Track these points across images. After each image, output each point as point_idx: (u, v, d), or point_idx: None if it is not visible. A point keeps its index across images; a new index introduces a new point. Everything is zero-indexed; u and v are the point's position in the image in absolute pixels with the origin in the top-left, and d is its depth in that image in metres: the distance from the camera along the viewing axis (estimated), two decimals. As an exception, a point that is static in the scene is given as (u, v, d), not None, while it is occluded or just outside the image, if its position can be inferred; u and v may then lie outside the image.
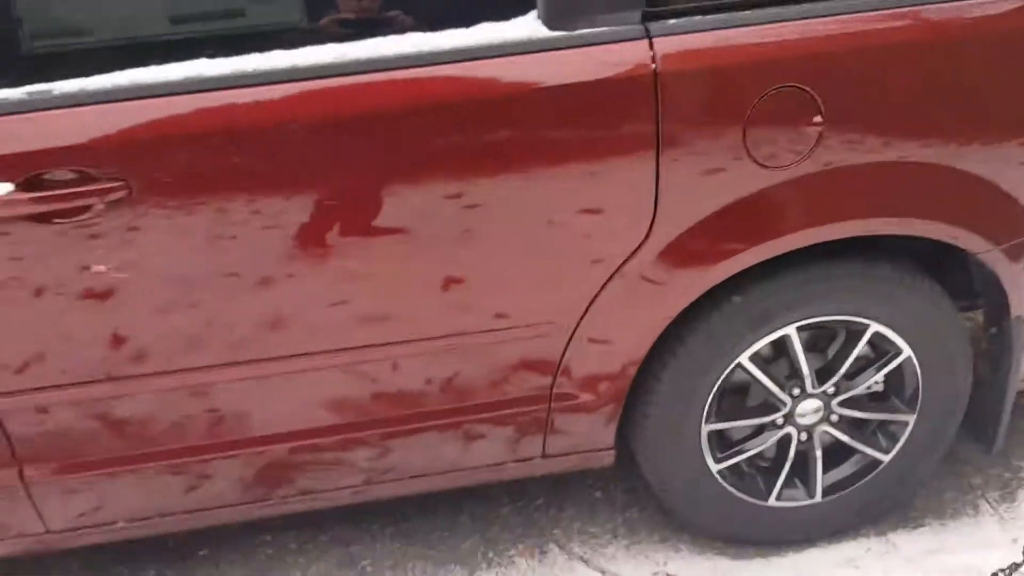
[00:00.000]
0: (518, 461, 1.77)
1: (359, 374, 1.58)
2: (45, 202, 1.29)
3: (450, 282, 1.50)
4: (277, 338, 1.49)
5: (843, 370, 1.73)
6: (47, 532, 1.64)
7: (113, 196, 1.30)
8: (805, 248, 1.56)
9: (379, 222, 1.42)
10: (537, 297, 1.55)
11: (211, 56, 1.31)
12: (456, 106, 1.37)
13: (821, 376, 1.74)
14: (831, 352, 1.76)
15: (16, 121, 1.27)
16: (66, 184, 1.29)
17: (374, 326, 1.52)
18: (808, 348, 1.71)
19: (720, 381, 1.69)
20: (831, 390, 1.75)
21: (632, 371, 1.66)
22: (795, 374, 1.73)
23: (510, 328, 1.57)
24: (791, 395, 1.74)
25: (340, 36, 1.34)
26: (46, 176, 1.29)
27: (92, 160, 1.29)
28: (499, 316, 1.56)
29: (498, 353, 1.61)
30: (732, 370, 1.68)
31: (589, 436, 1.75)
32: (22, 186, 1.28)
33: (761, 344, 1.66)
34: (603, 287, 1.55)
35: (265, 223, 1.38)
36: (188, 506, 1.69)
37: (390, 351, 1.56)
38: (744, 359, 1.67)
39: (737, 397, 1.79)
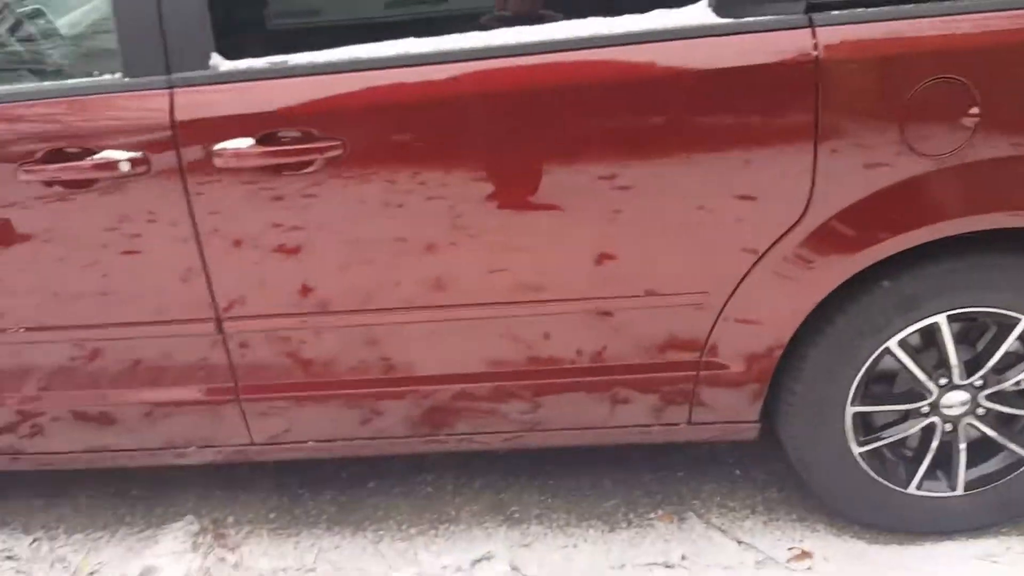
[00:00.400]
0: (664, 425, 1.87)
1: (514, 334, 1.74)
2: (277, 156, 1.54)
3: (603, 258, 1.64)
4: (440, 295, 1.68)
5: (992, 363, 1.74)
6: (251, 444, 1.90)
7: (331, 154, 1.54)
8: (957, 237, 1.59)
9: (566, 197, 1.58)
10: (686, 277, 1.66)
11: (418, 35, 1.52)
12: (630, 86, 1.51)
13: (970, 368, 1.76)
14: (981, 345, 1.77)
15: (259, 86, 1.53)
16: (294, 141, 1.54)
17: (530, 293, 1.68)
18: (958, 339, 1.73)
19: (868, 365, 1.73)
20: (979, 383, 1.77)
21: (778, 351, 1.74)
22: (943, 364, 1.75)
23: (658, 305, 1.69)
24: (938, 385, 1.77)
25: (529, 20, 1.52)
26: (279, 134, 1.53)
27: (316, 122, 1.53)
28: (649, 293, 1.68)
29: (647, 328, 1.73)
30: (880, 355, 1.73)
31: (734, 410, 1.84)
32: (260, 141, 1.53)
33: (910, 331, 1.70)
34: (751, 269, 1.64)
35: (457, 192, 1.57)
36: (364, 435, 1.91)
37: (544, 312, 1.71)
38: (893, 344, 1.71)
39: (884, 382, 1.82)
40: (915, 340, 1.75)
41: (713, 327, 1.71)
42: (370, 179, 1.56)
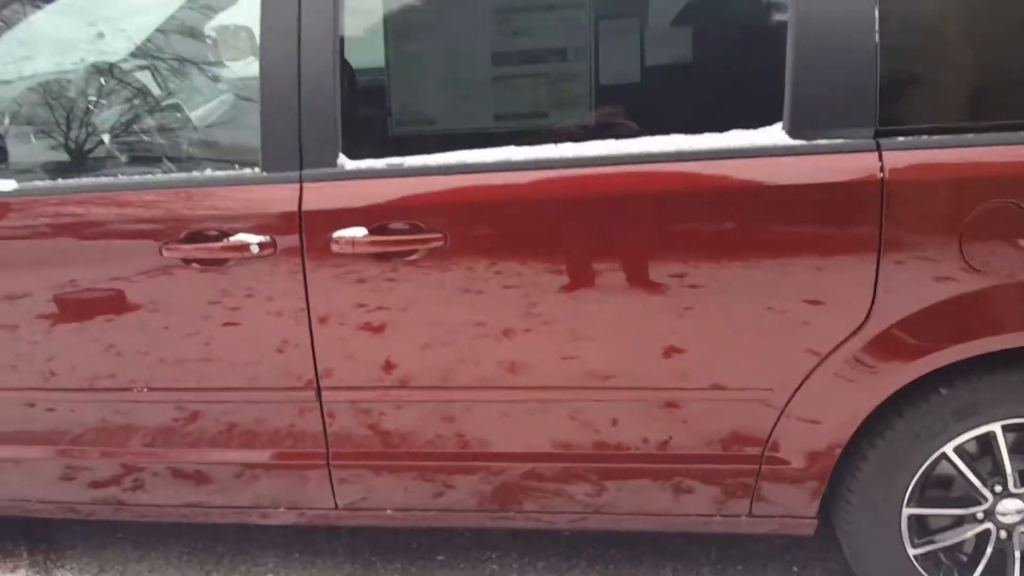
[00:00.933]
0: (725, 516, 1.95)
1: (583, 418, 1.86)
2: (386, 244, 1.73)
3: (671, 351, 1.76)
4: (514, 377, 1.82)
5: (1048, 474, 1.81)
6: (335, 508, 2.03)
7: (433, 245, 1.72)
8: (1015, 349, 1.68)
9: (646, 294, 1.72)
10: (751, 374, 1.77)
11: (518, 144, 1.71)
12: (704, 196, 1.67)
13: (1025, 477, 1.83)
14: (1037, 455, 1.84)
15: (377, 183, 1.73)
16: (402, 232, 1.72)
17: (599, 381, 1.81)
18: (1014, 449, 1.80)
19: (924, 468, 1.81)
20: (1035, 493, 1.83)
21: (837, 451, 1.83)
22: (999, 471, 1.82)
23: (723, 399, 1.80)
24: (993, 492, 1.83)
25: (618, 135, 1.70)
26: (390, 225, 1.72)
27: (422, 216, 1.72)
28: (715, 387, 1.79)
29: (712, 420, 1.84)
30: (937, 459, 1.80)
31: (794, 505, 1.91)
32: (372, 231, 1.72)
33: (966, 437, 1.78)
34: (813, 371, 1.74)
35: (544, 284, 1.73)
36: (437, 506, 2.02)
37: (612, 399, 1.83)
38: (948, 450, 1.79)
39: (940, 486, 1.89)
40: (972, 447, 1.82)
41: (776, 424, 1.81)
42: (466, 269, 1.73)
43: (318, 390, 1.88)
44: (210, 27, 2.56)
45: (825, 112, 1.64)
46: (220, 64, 2.56)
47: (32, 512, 2.20)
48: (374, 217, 1.72)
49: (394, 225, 1.72)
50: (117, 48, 2.63)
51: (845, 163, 1.63)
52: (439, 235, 1.71)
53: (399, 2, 1.84)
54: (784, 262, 1.68)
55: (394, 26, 1.83)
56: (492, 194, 1.71)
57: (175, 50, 2.56)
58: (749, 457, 1.86)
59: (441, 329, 1.80)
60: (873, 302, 1.68)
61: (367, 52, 1.89)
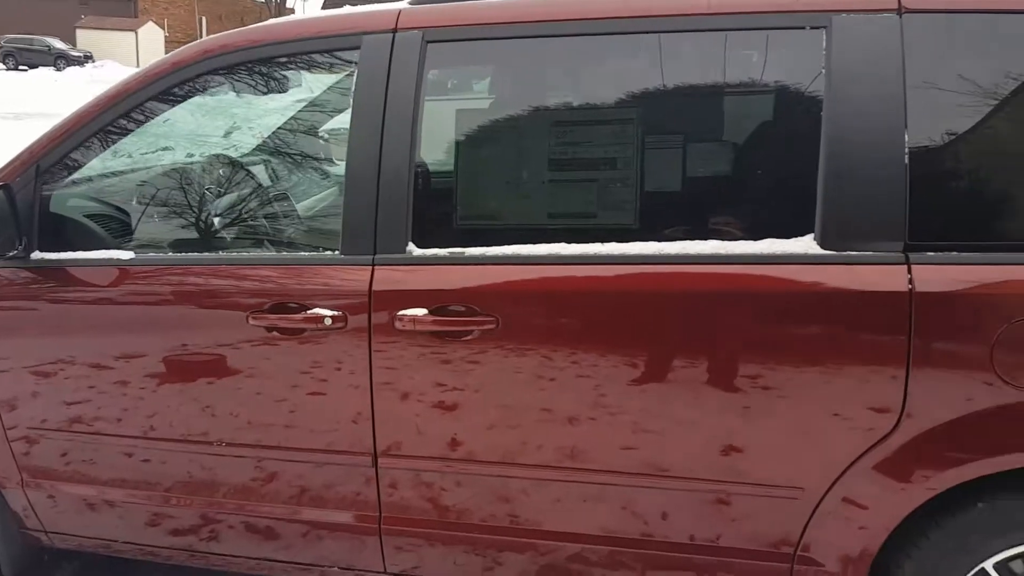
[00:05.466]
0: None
1: (632, 510, 1.95)
2: (443, 324, 1.90)
3: (730, 449, 1.84)
4: (569, 460, 1.93)
5: (1093, 598, 1.76)
6: (384, 572, 2.16)
7: (486, 327, 1.88)
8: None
9: (671, 388, 1.83)
10: (781, 472, 1.83)
11: (567, 241, 1.87)
12: (737, 298, 1.78)
13: (1073, 600, 1.78)
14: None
15: (439, 269, 1.92)
16: (458, 314, 1.90)
17: (652, 471, 1.90)
18: (1060, 570, 1.78)
19: (962, 583, 1.80)
20: (1082, 616, 1.78)
21: (870, 558, 1.84)
22: (1043, 592, 1.79)
23: (747, 494, 1.86)
24: (1036, 612, 1.80)
25: (660, 237, 1.85)
26: (448, 307, 1.90)
27: (477, 301, 1.89)
28: (741, 482, 1.85)
29: (748, 516, 1.89)
30: (977, 575, 1.79)
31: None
32: (431, 312, 1.90)
33: (1008, 554, 1.76)
34: (842, 474, 1.79)
35: (580, 372, 1.86)
36: (485, 582, 2.13)
37: (662, 489, 1.92)
38: (988, 566, 1.78)
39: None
40: (1018, 566, 1.79)
41: (807, 524, 1.85)
42: (515, 352, 1.88)
43: (375, 457, 2.04)
44: (324, 128, 2.87)
45: (855, 225, 1.74)
46: (330, 161, 2.86)
47: (114, 552, 2.40)
48: (434, 299, 1.90)
49: (452, 307, 1.90)
50: (243, 143, 2.99)
51: (874, 275, 1.72)
52: (491, 318, 1.88)
53: (467, 113, 2.08)
54: (812, 368, 1.76)
55: (463, 133, 2.05)
56: (541, 285, 1.87)
57: (292, 147, 2.89)
58: (782, 556, 1.89)
59: (488, 407, 1.94)
60: (903, 410, 1.73)
61: (438, 155, 2.13)
